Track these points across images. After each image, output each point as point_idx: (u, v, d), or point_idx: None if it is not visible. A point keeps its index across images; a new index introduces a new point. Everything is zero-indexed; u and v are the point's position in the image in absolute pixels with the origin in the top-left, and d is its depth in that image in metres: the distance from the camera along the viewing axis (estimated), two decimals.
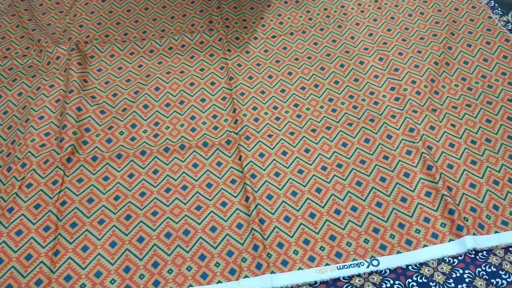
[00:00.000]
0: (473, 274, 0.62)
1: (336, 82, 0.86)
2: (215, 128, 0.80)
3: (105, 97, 0.85)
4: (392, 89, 0.83)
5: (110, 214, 0.69)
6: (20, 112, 0.83)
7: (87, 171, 0.74)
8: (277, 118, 0.81)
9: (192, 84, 0.87)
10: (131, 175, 0.74)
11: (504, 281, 0.61)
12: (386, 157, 0.75)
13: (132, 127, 0.80)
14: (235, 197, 0.71)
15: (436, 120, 0.79)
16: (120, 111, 0.82)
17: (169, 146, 0.77)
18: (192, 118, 0.82)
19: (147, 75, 0.88)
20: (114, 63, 0.90)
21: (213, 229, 0.68)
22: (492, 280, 0.61)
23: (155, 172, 0.74)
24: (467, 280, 0.61)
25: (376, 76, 0.86)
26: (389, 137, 0.77)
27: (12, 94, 0.86)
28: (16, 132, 0.79)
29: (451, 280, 0.61)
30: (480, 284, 0.61)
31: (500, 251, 0.64)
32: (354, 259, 0.64)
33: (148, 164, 0.75)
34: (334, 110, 0.82)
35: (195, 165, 0.75)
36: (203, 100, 0.84)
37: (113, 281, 0.62)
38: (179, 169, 0.74)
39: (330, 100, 0.83)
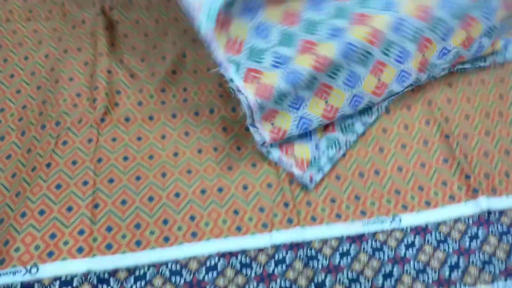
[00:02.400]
0: (486, 232, 0.68)
1: None
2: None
3: (133, 62, 0.87)
4: None
5: (146, 172, 0.72)
6: (49, 74, 0.84)
7: (121, 131, 0.77)
8: None
9: None
10: (163, 136, 0.77)
11: None
12: (406, 126, 0.79)
13: (162, 91, 0.83)
14: (265, 160, 0.75)
15: (452, 94, 0.83)
16: (149, 75, 0.85)
17: (198, 110, 0.80)
18: (221, 85, 0.84)
19: (173, 41, 0.90)
20: (141, 29, 0.91)
21: (245, 187, 0.71)
22: (504, 238, 0.67)
23: (186, 134, 0.77)
24: (481, 237, 0.67)
25: None
26: (408, 108, 0.82)
27: (39, 56, 0.87)
28: (46, 93, 0.81)
29: (466, 237, 0.67)
30: (493, 241, 0.67)
31: (511, 212, 0.70)
32: (377, 216, 0.69)
33: (179, 127, 0.78)
34: None
35: (224, 129, 0.78)
36: None
37: (152, 232, 0.66)
38: (210, 132, 0.78)
39: None
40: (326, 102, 0.72)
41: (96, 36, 0.88)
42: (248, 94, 0.65)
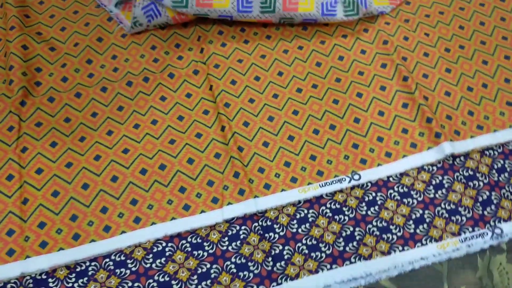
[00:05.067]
0: (451, 179, 0.63)
1: None
2: (180, 58, 0.74)
3: (53, 32, 0.76)
4: None
5: (78, 156, 0.65)
6: None
7: (45, 113, 0.68)
8: (246, 41, 0.76)
9: None
10: (94, 114, 0.68)
11: (480, 183, 0.63)
12: (361, 73, 0.73)
13: (88, 63, 0.73)
14: (210, 127, 0.68)
15: (409, 30, 0.76)
16: (71, 46, 0.75)
17: (132, 80, 0.72)
18: (153, 48, 0.75)
19: (96, 5, 0.79)
20: None
21: (190, 161, 0.65)
22: (470, 183, 0.63)
23: (120, 108, 0.69)
24: (446, 185, 0.63)
25: None
26: (363, 52, 0.75)
27: None
28: None
29: (431, 187, 0.63)
30: (459, 188, 0.62)
31: (476, 155, 0.65)
32: (335, 176, 0.64)
33: (111, 101, 0.70)
34: (305, 28, 0.77)
35: (162, 98, 0.70)
36: (162, 27, 0.77)
37: (91, 223, 0.60)
38: (146, 103, 0.70)
39: None
40: None
41: (5, 7, 0.76)
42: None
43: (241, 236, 0.59)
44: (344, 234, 0.60)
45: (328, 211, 0.61)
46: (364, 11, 0.75)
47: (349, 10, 0.74)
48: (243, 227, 0.60)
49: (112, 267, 0.57)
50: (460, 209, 0.61)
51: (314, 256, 0.58)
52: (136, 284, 0.56)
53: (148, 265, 0.57)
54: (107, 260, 0.58)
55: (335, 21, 0.75)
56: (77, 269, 0.57)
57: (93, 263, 0.57)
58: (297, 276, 0.57)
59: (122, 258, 0.58)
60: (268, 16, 0.73)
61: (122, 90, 0.70)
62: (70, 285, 0.56)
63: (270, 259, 0.58)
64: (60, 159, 0.64)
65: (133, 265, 0.57)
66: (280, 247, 0.59)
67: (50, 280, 0.56)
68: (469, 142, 0.65)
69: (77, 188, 0.62)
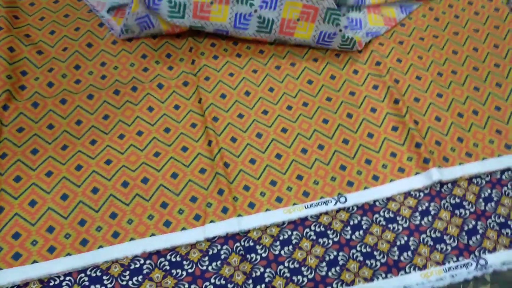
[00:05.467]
0: (438, 206, 0.62)
1: None
2: (170, 68, 0.73)
3: (41, 35, 0.74)
4: None
5: (59, 166, 0.63)
6: None
7: (28, 119, 0.66)
8: (238, 55, 0.75)
9: None
10: (78, 122, 0.67)
11: (467, 211, 0.62)
12: (352, 93, 0.72)
13: (76, 69, 0.72)
14: (196, 141, 0.66)
15: (403, 53, 0.76)
16: (60, 51, 0.73)
17: (119, 88, 0.70)
18: (144, 56, 0.74)
19: (88, 10, 0.78)
20: None
21: (174, 175, 0.63)
22: (456, 211, 0.62)
23: (106, 117, 0.68)
24: (432, 212, 0.62)
25: None
26: (355, 72, 0.74)
27: None
28: None
29: (417, 214, 0.62)
30: (445, 216, 0.62)
31: (464, 183, 0.64)
32: (321, 197, 0.62)
33: (97, 109, 0.68)
34: (299, 45, 0.77)
35: (150, 109, 0.69)
36: (153, 36, 0.76)
37: (67, 236, 0.58)
38: (133, 113, 0.68)
39: None
40: None
41: None
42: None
43: (222, 256, 0.58)
44: (327, 258, 0.58)
45: (312, 233, 0.60)
46: (359, 48, 0.74)
47: (345, 44, 0.73)
48: (224, 247, 0.58)
49: (87, 283, 0.55)
50: (445, 237, 0.60)
51: (296, 280, 0.57)
52: None
53: (124, 283, 0.56)
54: (82, 275, 0.56)
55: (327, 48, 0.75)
56: (51, 284, 0.55)
57: (67, 278, 0.56)
58: None
59: (98, 274, 0.56)
60: (264, 36, 0.72)
61: (109, 98, 0.69)
62: None
63: (250, 281, 0.56)
64: (40, 167, 0.62)
65: (109, 281, 0.55)
66: (262, 270, 0.57)
67: None
68: (458, 169, 0.65)
69: (55, 198, 0.60)
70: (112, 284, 0.55)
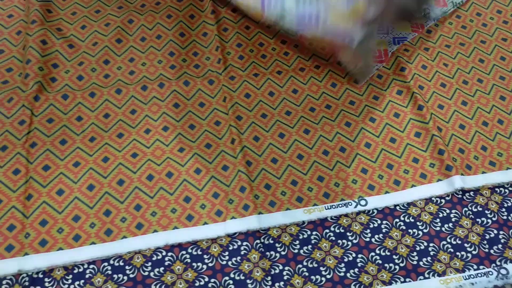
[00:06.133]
0: (459, 213, 0.62)
1: None
2: (196, 66, 0.74)
3: (73, 30, 0.77)
4: None
5: (86, 157, 0.64)
6: None
7: (58, 110, 0.68)
8: (263, 56, 0.76)
9: (169, 16, 0.79)
10: (106, 115, 0.68)
11: (489, 220, 0.62)
12: (376, 97, 0.72)
13: (105, 63, 0.74)
14: (220, 139, 0.67)
15: (428, 59, 0.76)
16: (90, 45, 0.75)
17: (147, 84, 0.72)
18: (171, 54, 0.75)
19: (119, 6, 0.80)
20: None
21: (197, 171, 0.64)
22: (478, 220, 0.62)
23: (133, 112, 0.69)
24: (453, 220, 0.62)
25: None
26: (379, 77, 0.74)
27: None
28: None
29: (438, 220, 0.62)
30: (466, 223, 0.61)
31: (487, 191, 0.64)
32: (342, 199, 0.63)
33: (124, 104, 0.70)
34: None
35: (176, 105, 0.70)
36: (182, 34, 0.77)
37: (92, 225, 0.59)
38: (159, 109, 0.70)
39: None
40: None
41: (28, 0, 0.77)
42: None
43: (242, 252, 0.59)
44: (346, 259, 0.59)
45: (331, 234, 0.61)
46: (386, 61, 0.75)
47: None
48: (244, 243, 0.59)
49: (110, 272, 0.57)
50: (466, 245, 0.60)
51: (314, 279, 0.57)
52: None
53: (146, 273, 0.57)
54: (106, 264, 0.57)
55: None
56: (75, 271, 0.56)
57: (91, 266, 0.57)
58: None
59: (121, 263, 0.57)
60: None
61: (136, 93, 0.70)
62: (66, 286, 0.55)
63: (269, 278, 0.57)
64: (68, 157, 0.64)
65: (131, 271, 0.57)
66: (280, 267, 0.58)
67: (46, 279, 0.56)
68: (480, 178, 0.64)
69: (82, 188, 0.62)
70: (134, 274, 0.57)
